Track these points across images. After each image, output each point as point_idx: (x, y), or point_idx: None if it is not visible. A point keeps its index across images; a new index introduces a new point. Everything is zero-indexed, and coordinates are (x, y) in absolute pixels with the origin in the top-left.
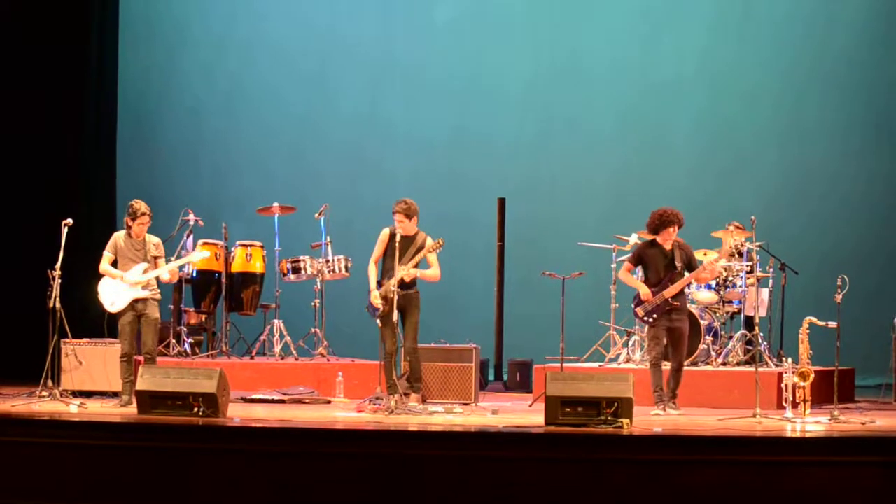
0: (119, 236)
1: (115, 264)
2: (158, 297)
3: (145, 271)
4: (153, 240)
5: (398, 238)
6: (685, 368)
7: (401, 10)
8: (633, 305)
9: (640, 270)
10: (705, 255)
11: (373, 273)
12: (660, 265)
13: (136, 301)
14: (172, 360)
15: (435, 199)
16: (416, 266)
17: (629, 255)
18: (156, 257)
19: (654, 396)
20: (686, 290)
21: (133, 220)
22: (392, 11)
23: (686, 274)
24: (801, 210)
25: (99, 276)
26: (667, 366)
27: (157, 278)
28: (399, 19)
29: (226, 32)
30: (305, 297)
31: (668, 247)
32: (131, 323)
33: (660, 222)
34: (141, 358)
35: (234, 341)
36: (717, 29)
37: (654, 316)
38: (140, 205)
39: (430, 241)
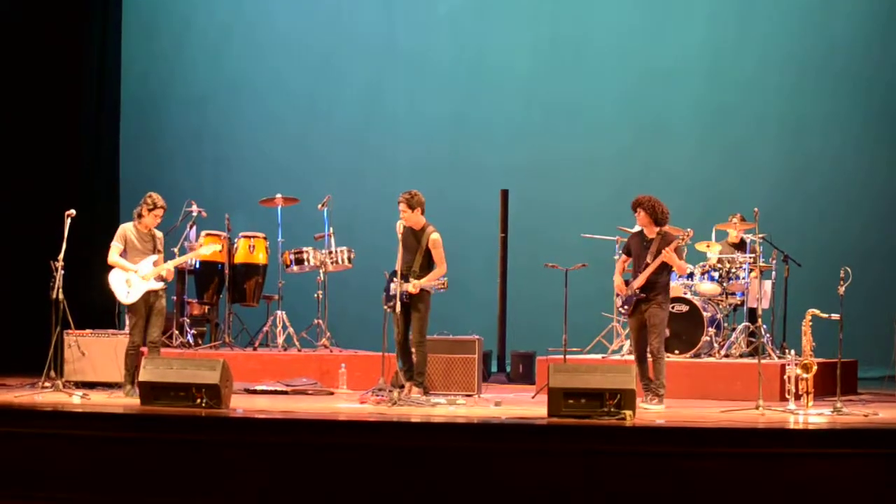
0: (128, 228)
1: (122, 255)
2: (163, 287)
3: (155, 263)
4: (158, 233)
5: (400, 229)
6: (689, 360)
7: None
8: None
9: None
10: (708, 247)
11: (397, 264)
12: (638, 255)
13: (149, 292)
14: (175, 351)
15: (438, 188)
16: (420, 271)
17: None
18: (160, 251)
19: (642, 386)
20: (686, 281)
21: (150, 211)
22: (394, 1)
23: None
24: (803, 201)
25: (104, 267)
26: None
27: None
28: (401, 8)
29: (230, 22)
30: (308, 289)
31: (649, 236)
32: (145, 315)
33: (632, 206)
34: (145, 349)
35: (237, 332)
36: (717, 17)
37: (626, 307)
38: (159, 198)
39: (434, 237)
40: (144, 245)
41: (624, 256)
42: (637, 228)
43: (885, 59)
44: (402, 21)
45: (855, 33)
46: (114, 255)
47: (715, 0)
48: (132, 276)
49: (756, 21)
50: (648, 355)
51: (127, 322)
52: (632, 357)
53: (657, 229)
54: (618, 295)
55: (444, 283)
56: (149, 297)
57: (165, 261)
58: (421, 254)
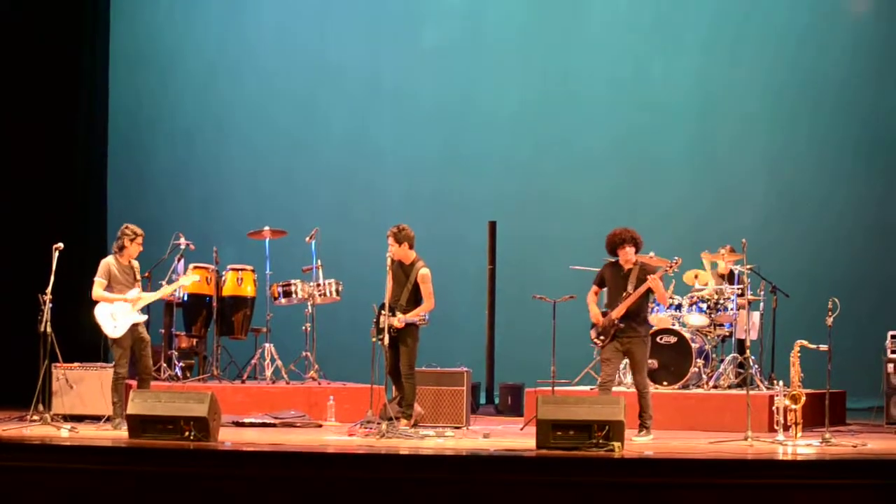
0: (111, 262)
1: (107, 290)
2: (146, 319)
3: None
4: (135, 263)
5: (388, 263)
6: (677, 391)
7: (388, 34)
8: (590, 329)
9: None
10: (696, 277)
11: (385, 298)
12: (615, 286)
13: (135, 325)
14: (163, 384)
15: (426, 220)
16: (407, 305)
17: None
18: (139, 280)
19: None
20: (674, 312)
21: (132, 241)
22: (379, 36)
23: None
24: (792, 233)
25: (92, 300)
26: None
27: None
28: (387, 43)
29: (216, 58)
30: (296, 321)
31: (626, 267)
32: (132, 346)
33: (610, 244)
34: (132, 381)
35: (226, 365)
36: (709, 52)
37: (602, 338)
38: (136, 227)
39: (423, 272)
40: (126, 277)
41: (595, 287)
42: (611, 259)
43: (876, 92)
44: (388, 56)
45: (846, 68)
46: (98, 290)
47: (707, 36)
48: (117, 310)
49: (747, 56)
50: (621, 388)
51: (114, 355)
52: (622, 389)
53: (635, 259)
54: (593, 326)
55: (425, 320)
56: (134, 329)
57: (151, 291)
58: (409, 288)
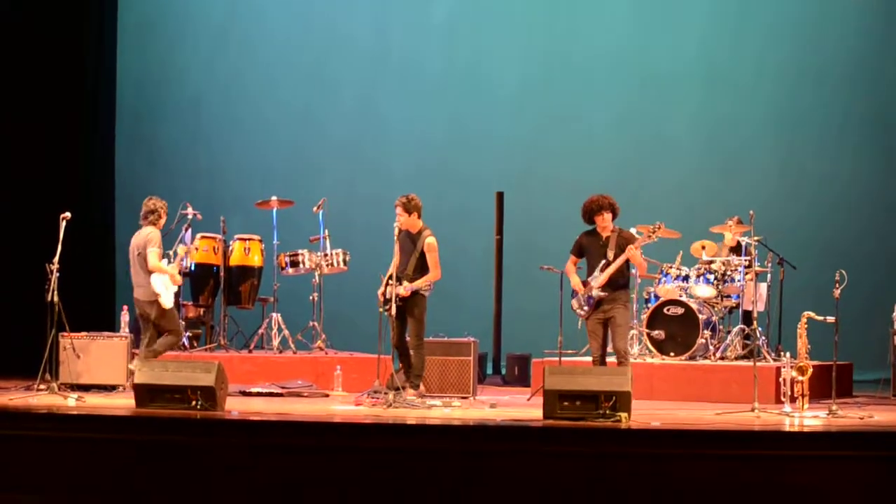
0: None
1: None
2: None
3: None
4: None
5: (396, 233)
6: (684, 363)
7: (397, 7)
8: (571, 299)
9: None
10: (703, 247)
11: (391, 268)
12: (595, 254)
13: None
14: (171, 354)
15: (433, 193)
16: (413, 274)
17: (571, 247)
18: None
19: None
20: (681, 283)
21: (165, 213)
22: (389, 9)
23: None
24: (798, 204)
25: (99, 270)
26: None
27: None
28: (396, 16)
29: (225, 27)
30: (304, 291)
31: (604, 235)
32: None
33: (586, 211)
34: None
35: (233, 335)
36: (713, 24)
37: (586, 308)
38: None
39: (430, 240)
40: (163, 250)
41: (573, 257)
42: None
43: (880, 66)
44: (397, 29)
45: (851, 42)
46: (156, 261)
47: (711, 8)
48: (168, 280)
49: (752, 29)
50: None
51: (166, 326)
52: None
53: (612, 226)
54: (574, 295)
55: (430, 287)
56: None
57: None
58: (416, 256)
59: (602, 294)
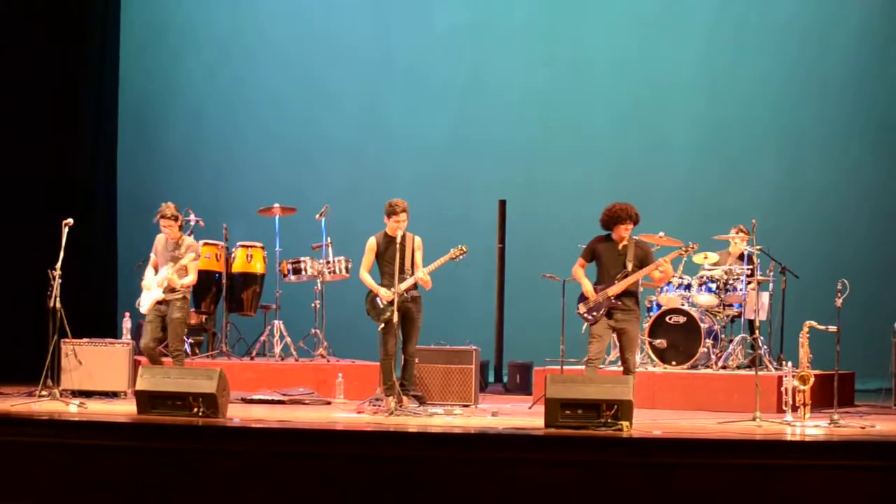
0: (160, 238)
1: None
2: (180, 296)
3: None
4: (187, 241)
5: (398, 238)
6: (686, 371)
7: (400, 15)
8: (577, 302)
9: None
10: (706, 258)
11: (369, 278)
12: (611, 262)
13: (158, 303)
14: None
15: (435, 201)
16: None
17: (583, 251)
18: (177, 258)
19: None
20: (683, 292)
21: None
22: (391, 17)
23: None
24: (800, 214)
25: (102, 276)
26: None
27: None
28: (399, 24)
29: (228, 35)
30: (306, 298)
31: (622, 244)
32: (150, 322)
33: (609, 218)
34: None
35: (235, 342)
36: (715, 34)
37: (594, 314)
38: (164, 207)
39: (419, 240)
40: (168, 255)
41: (583, 261)
42: (603, 233)
43: (882, 74)
44: (399, 36)
45: (853, 51)
46: (148, 265)
47: (712, 18)
48: (146, 284)
49: (754, 38)
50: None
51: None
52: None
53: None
54: (582, 300)
55: (462, 250)
56: (160, 307)
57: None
58: (409, 257)
59: (617, 302)
